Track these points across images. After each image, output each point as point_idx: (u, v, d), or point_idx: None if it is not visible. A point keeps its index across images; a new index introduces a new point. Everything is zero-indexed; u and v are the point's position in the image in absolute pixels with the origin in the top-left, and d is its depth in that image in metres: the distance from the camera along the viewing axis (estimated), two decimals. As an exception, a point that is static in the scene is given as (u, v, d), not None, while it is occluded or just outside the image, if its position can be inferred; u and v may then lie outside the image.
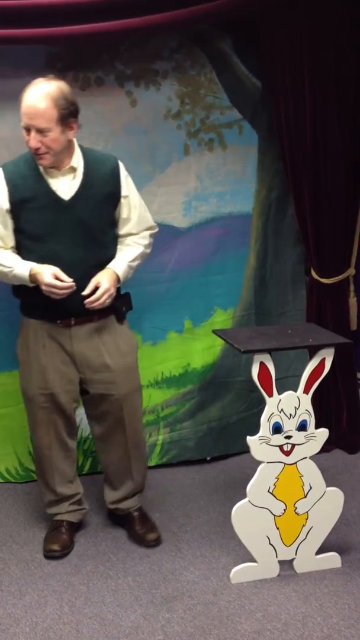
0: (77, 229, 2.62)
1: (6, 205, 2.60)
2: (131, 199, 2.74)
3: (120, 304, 2.76)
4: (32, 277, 2.56)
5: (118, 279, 2.67)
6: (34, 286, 2.58)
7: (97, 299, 2.57)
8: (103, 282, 2.59)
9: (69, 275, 2.54)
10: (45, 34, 2.81)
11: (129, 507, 2.96)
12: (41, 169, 2.61)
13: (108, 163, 2.71)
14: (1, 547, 2.91)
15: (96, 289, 2.59)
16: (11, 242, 2.66)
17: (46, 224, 2.59)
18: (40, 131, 2.51)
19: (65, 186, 2.62)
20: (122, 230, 2.77)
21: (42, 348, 2.71)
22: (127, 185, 2.73)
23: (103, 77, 3.15)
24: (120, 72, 3.17)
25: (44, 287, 2.53)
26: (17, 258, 2.63)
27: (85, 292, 2.57)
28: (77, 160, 2.65)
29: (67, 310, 2.64)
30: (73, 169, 2.64)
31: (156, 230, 2.88)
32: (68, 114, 2.54)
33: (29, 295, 2.64)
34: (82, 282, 2.57)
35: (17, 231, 2.64)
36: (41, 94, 2.50)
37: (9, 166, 2.66)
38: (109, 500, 2.98)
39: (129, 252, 2.75)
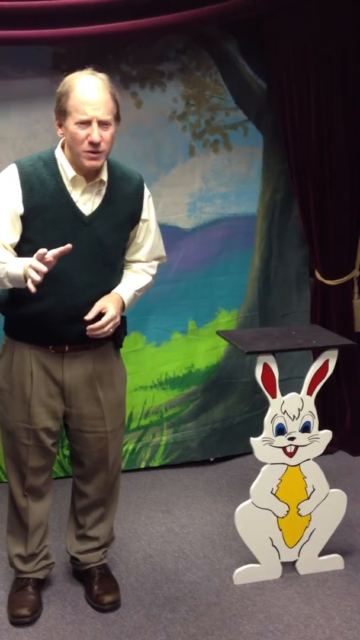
0: (93, 249, 2.28)
1: (20, 209, 2.21)
2: (150, 223, 2.42)
3: (120, 330, 2.39)
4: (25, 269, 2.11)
5: (123, 307, 2.34)
6: (25, 295, 2.17)
7: (102, 327, 2.23)
8: (110, 309, 2.25)
9: (74, 300, 2.25)
10: (51, 35, 2.83)
11: (92, 562, 2.60)
12: (64, 175, 2.25)
13: (134, 181, 2.37)
14: (4, 546, 2.90)
15: (100, 314, 2.25)
16: (11, 242, 2.24)
17: (60, 240, 2.13)
18: (103, 124, 2.16)
19: (88, 200, 2.27)
20: (132, 256, 2.44)
21: (29, 376, 2.34)
22: (149, 207, 2.41)
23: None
24: (126, 73, 3.18)
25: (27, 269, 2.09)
26: (12, 255, 2.22)
27: (89, 316, 2.23)
28: (105, 173, 2.30)
29: (62, 335, 2.31)
30: (102, 182, 2.28)
31: (164, 261, 2.56)
32: (118, 112, 2.23)
33: (20, 313, 2.28)
34: (86, 309, 2.25)
35: (24, 240, 2.25)
36: (102, 84, 2.18)
37: (25, 165, 2.25)
38: (74, 550, 2.61)
39: (137, 279, 2.43)
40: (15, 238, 2.24)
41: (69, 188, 2.26)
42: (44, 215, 2.22)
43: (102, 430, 2.45)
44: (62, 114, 2.19)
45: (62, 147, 2.28)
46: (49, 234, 2.22)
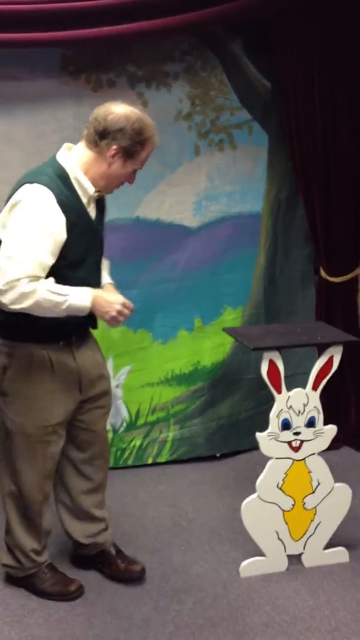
0: (99, 253, 2.46)
1: (64, 236, 2.24)
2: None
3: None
4: (96, 300, 2.26)
5: None
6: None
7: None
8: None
9: None
10: (59, 38, 2.87)
11: (108, 541, 2.69)
12: (78, 190, 2.31)
13: None
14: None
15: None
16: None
17: (84, 249, 2.31)
18: None
19: (91, 208, 2.37)
20: None
21: (50, 374, 2.38)
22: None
23: (115, 79, 3.20)
24: (132, 74, 3.22)
25: (117, 307, 2.27)
26: (66, 286, 2.25)
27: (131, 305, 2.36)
28: None
29: (69, 328, 2.37)
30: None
31: None
32: None
33: (30, 317, 2.24)
34: None
35: (59, 258, 2.26)
36: None
37: (54, 188, 2.24)
38: (86, 534, 2.66)
39: (106, 270, 2.61)
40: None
41: (84, 200, 2.33)
42: (75, 231, 2.27)
43: (109, 405, 2.62)
44: (128, 154, 2.29)
45: (60, 157, 2.34)
46: (78, 247, 2.29)
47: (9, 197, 2.29)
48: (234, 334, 2.77)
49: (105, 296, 2.31)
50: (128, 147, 2.27)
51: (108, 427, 2.84)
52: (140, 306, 2.56)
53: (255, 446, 2.69)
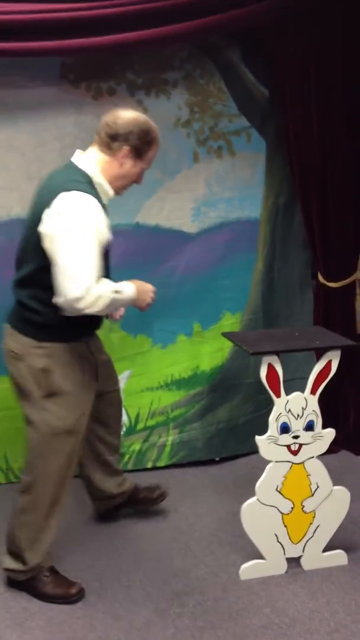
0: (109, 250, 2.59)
1: (108, 236, 2.44)
2: None
3: None
4: (137, 291, 2.51)
5: None
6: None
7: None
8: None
9: None
10: (59, 47, 2.89)
11: (131, 483, 3.07)
12: (101, 193, 2.48)
13: None
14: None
15: None
16: None
17: (107, 249, 2.49)
18: None
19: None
20: None
21: (82, 367, 2.54)
22: None
23: (115, 87, 3.24)
24: (132, 82, 3.25)
25: (152, 295, 2.58)
26: (115, 283, 2.47)
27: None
28: None
29: (94, 326, 2.62)
30: None
31: None
32: None
33: (73, 318, 2.39)
34: None
35: None
36: None
37: (90, 192, 2.39)
38: (117, 491, 3.02)
39: None
40: None
41: (104, 203, 2.48)
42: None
43: (116, 375, 2.93)
44: (137, 154, 2.49)
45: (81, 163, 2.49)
46: (105, 247, 2.44)
47: (39, 206, 2.40)
48: (234, 339, 2.80)
49: (141, 286, 2.53)
50: (138, 147, 2.47)
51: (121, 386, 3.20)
52: (139, 311, 2.62)
53: (254, 450, 2.72)
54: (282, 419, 2.62)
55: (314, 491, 2.70)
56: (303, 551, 2.75)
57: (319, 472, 2.70)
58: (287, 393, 2.62)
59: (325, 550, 2.77)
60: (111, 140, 2.45)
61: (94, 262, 2.32)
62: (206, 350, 3.60)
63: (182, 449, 3.62)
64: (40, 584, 2.60)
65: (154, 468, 3.60)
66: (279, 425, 2.62)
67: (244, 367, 3.62)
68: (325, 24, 3.27)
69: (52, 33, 2.86)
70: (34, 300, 2.44)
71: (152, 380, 3.55)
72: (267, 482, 2.65)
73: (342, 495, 2.74)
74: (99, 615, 2.52)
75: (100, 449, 2.94)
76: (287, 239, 3.67)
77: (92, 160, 2.47)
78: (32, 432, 2.53)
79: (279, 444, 2.63)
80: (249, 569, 2.72)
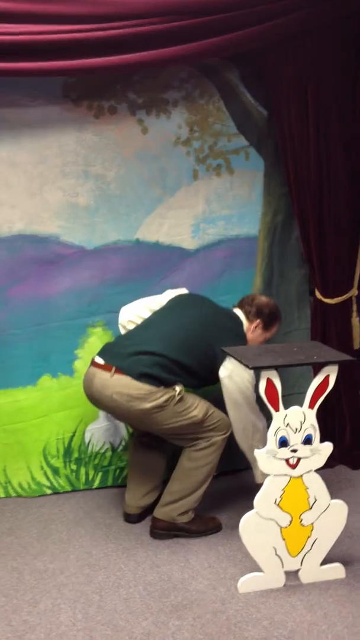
0: None
1: None
2: None
3: None
4: None
5: None
6: None
7: None
8: None
9: None
10: (61, 67, 2.95)
11: None
12: None
13: None
14: (15, 558, 2.99)
15: None
16: None
17: None
18: None
19: None
20: None
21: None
22: None
23: (116, 106, 3.29)
24: (133, 101, 3.31)
25: None
26: None
27: None
28: None
29: None
30: None
31: None
32: None
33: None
34: None
35: None
36: None
37: None
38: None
39: None
40: None
41: None
42: None
43: None
44: (266, 326, 3.27)
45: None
46: None
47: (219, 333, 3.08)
48: (233, 354, 2.83)
49: None
50: (268, 321, 3.26)
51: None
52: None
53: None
54: (281, 433, 2.65)
55: (312, 504, 2.72)
56: (301, 564, 2.76)
57: (317, 486, 2.72)
58: (285, 408, 2.65)
59: (323, 563, 2.79)
60: (253, 316, 3.31)
61: None
62: (205, 365, 3.62)
63: (181, 464, 3.63)
64: (194, 526, 3.18)
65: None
66: (278, 439, 2.65)
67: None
68: (321, 45, 3.33)
69: (54, 53, 2.91)
70: None
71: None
72: (265, 495, 2.68)
73: (339, 509, 2.76)
74: (98, 627, 2.53)
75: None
76: (284, 256, 3.71)
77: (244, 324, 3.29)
78: None
79: (277, 458, 2.66)
80: (247, 582, 2.74)
